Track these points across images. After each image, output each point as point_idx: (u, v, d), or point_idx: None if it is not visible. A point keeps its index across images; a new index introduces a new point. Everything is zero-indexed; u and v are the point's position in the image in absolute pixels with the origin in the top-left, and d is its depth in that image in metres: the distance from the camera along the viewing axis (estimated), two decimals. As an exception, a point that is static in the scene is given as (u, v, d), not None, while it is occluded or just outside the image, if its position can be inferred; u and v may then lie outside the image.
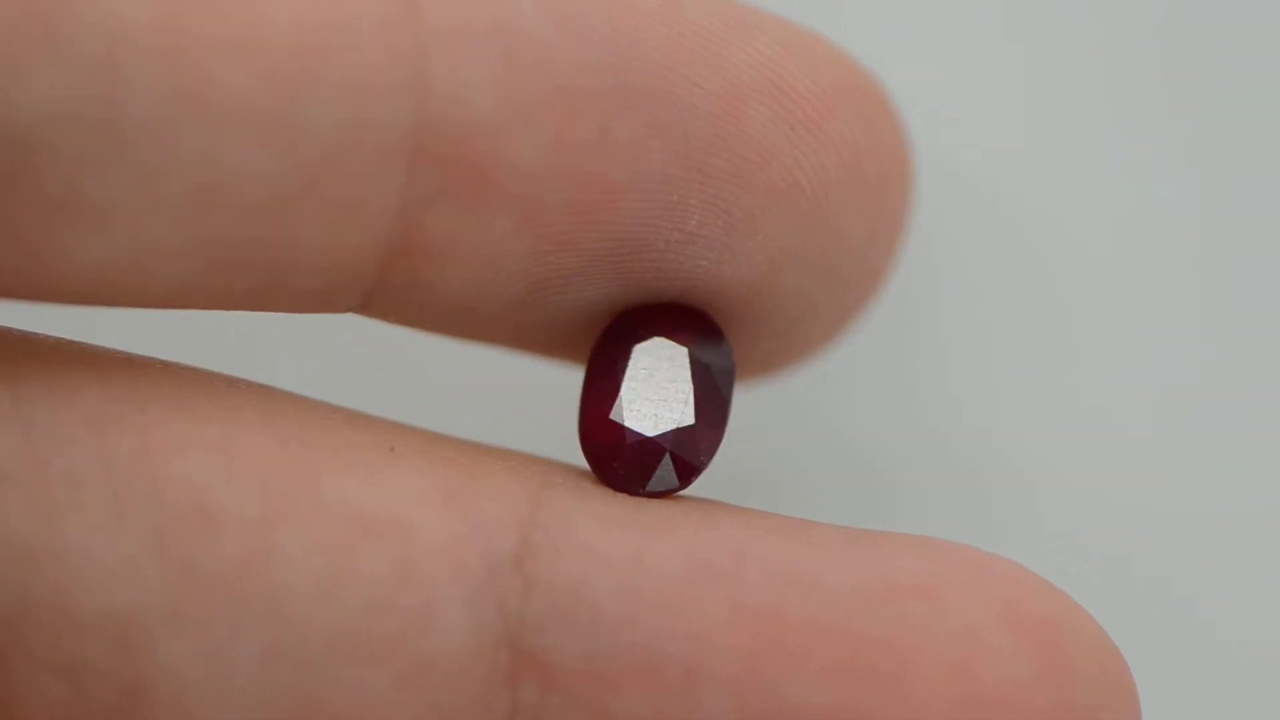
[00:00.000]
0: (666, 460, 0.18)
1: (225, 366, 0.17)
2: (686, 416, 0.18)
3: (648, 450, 0.17)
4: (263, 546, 0.16)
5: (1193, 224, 0.24)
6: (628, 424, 0.18)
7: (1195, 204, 0.24)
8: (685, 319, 0.18)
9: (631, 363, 0.18)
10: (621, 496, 0.18)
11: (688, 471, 0.18)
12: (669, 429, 0.18)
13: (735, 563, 0.17)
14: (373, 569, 0.16)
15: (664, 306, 0.18)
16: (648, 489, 0.18)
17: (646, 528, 0.17)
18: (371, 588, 0.16)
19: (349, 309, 0.17)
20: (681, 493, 0.18)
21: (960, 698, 0.16)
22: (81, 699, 0.16)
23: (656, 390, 0.18)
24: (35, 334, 0.17)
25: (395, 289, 0.17)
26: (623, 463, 0.18)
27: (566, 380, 0.19)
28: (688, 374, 0.18)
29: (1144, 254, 0.24)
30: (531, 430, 0.19)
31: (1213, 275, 0.24)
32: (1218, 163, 0.24)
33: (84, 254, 0.15)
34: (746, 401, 0.19)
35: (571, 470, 0.18)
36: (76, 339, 0.17)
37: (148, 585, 0.16)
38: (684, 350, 0.18)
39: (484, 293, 0.17)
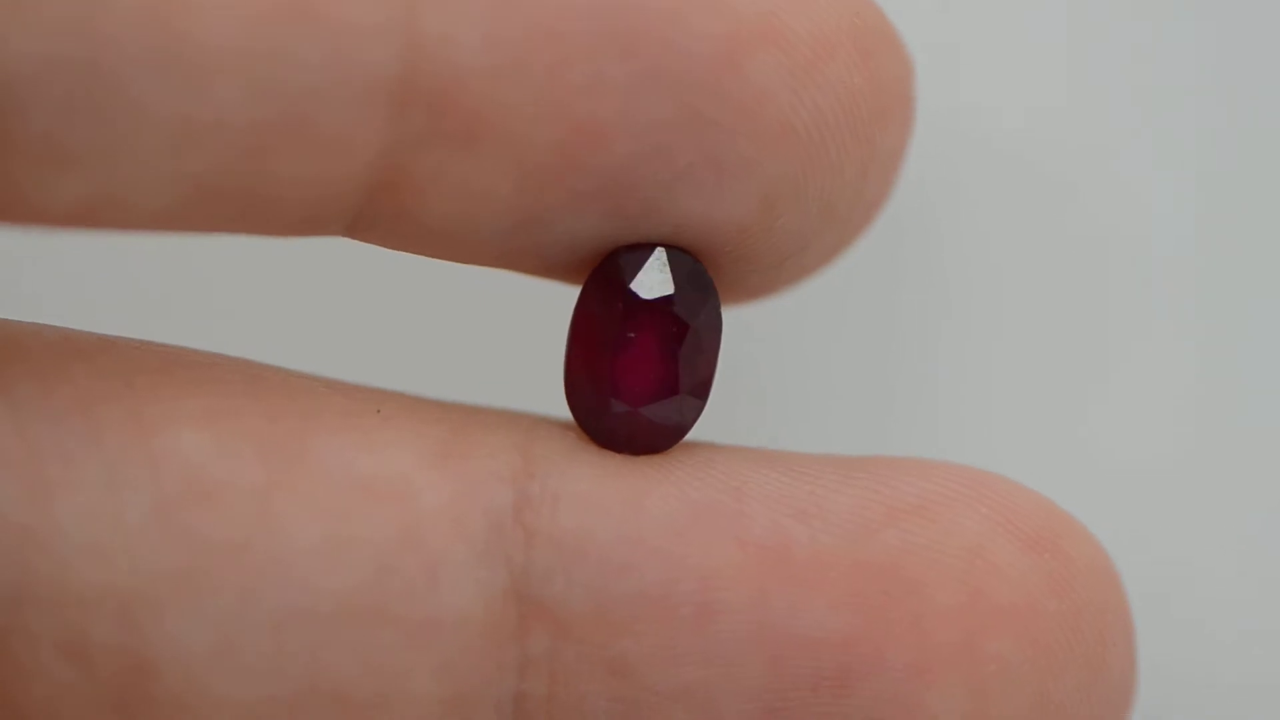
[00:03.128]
0: (652, 420, 0.18)
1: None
2: (671, 374, 0.18)
3: (634, 416, 0.17)
4: (263, 514, 0.16)
5: (1203, 189, 0.24)
6: (614, 385, 0.17)
7: (1201, 156, 0.24)
8: (672, 269, 0.18)
9: (616, 325, 0.18)
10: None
11: (673, 431, 0.18)
12: (655, 388, 0.18)
13: (735, 499, 0.17)
14: (376, 531, 0.16)
15: (652, 253, 0.18)
16: (635, 449, 0.18)
17: (642, 473, 0.17)
18: (376, 550, 0.16)
19: (335, 233, 0.17)
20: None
21: (972, 617, 0.16)
22: (89, 678, 0.16)
23: (641, 349, 0.18)
24: (16, 321, 0.17)
25: (382, 217, 0.17)
26: (610, 424, 0.18)
27: (550, 350, 0.19)
28: (673, 340, 0.18)
29: (1140, 202, 0.24)
30: (517, 390, 0.19)
31: (1218, 241, 0.24)
32: (1239, 139, 0.24)
33: (66, 190, 0.15)
34: (732, 348, 0.18)
35: (556, 424, 0.18)
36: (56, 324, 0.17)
37: (149, 559, 0.16)
38: (669, 315, 0.18)
39: (470, 224, 0.17)
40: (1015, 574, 0.17)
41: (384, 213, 0.17)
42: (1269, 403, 0.23)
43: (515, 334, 0.20)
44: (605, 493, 0.17)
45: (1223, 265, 0.24)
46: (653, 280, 0.17)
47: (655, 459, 0.17)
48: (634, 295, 0.17)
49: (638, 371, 0.17)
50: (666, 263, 0.17)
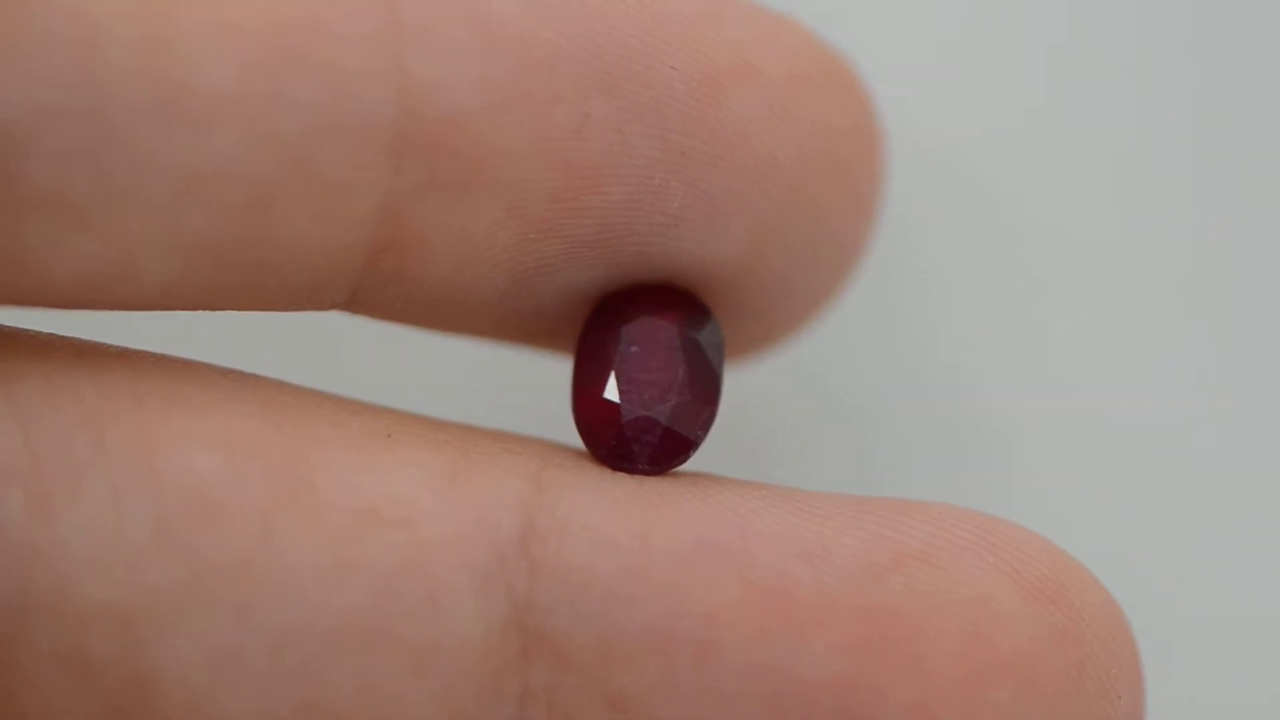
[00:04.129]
0: (661, 437, 0.18)
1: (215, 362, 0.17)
2: (679, 392, 0.18)
3: (642, 428, 0.18)
4: (267, 535, 0.16)
5: (1173, 206, 0.24)
6: (621, 403, 0.18)
7: (1177, 187, 0.24)
8: (671, 298, 0.18)
9: (621, 342, 0.18)
10: (620, 475, 0.18)
11: (683, 447, 0.18)
12: (662, 405, 0.18)
13: (740, 538, 0.17)
14: (379, 555, 0.16)
15: (650, 287, 0.18)
16: (645, 467, 0.18)
17: (649, 506, 0.17)
18: (378, 574, 0.16)
19: (335, 306, 0.17)
20: (679, 468, 0.18)
21: (974, 665, 0.16)
22: (89, 692, 0.16)
23: (647, 368, 0.18)
24: (28, 330, 0.17)
25: (382, 283, 0.17)
26: (618, 442, 0.18)
27: (557, 366, 0.19)
28: (678, 350, 0.18)
29: (1122, 232, 0.24)
30: (525, 417, 0.19)
31: (1196, 254, 0.24)
32: (1203, 149, 0.24)
33: (65, 255, 0.15)
34: (738, 375, 0.19)
35: (568, 451, 0.18)
36: (69, 335, 0.17)
37: (152, 577, 0.16)
38: (673, 326, 0.18)
39: (470, 284, 0.17)
40: (1019, 623, 0.17)
41: (385, 278, 0.17)
42: (1267, 412, 0.23)
43: (531, 355, 0.20)
44: (612, 525, 0.17)
45: (1210, 285, 0.24)
46: (653, 302, 0.18)
47: (663, 489, 0.17)
48: (634, 314, 0.18)
49: (643, 384, 0.18)
50: (663, 290, 0.18)
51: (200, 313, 0.17)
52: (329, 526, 0.16)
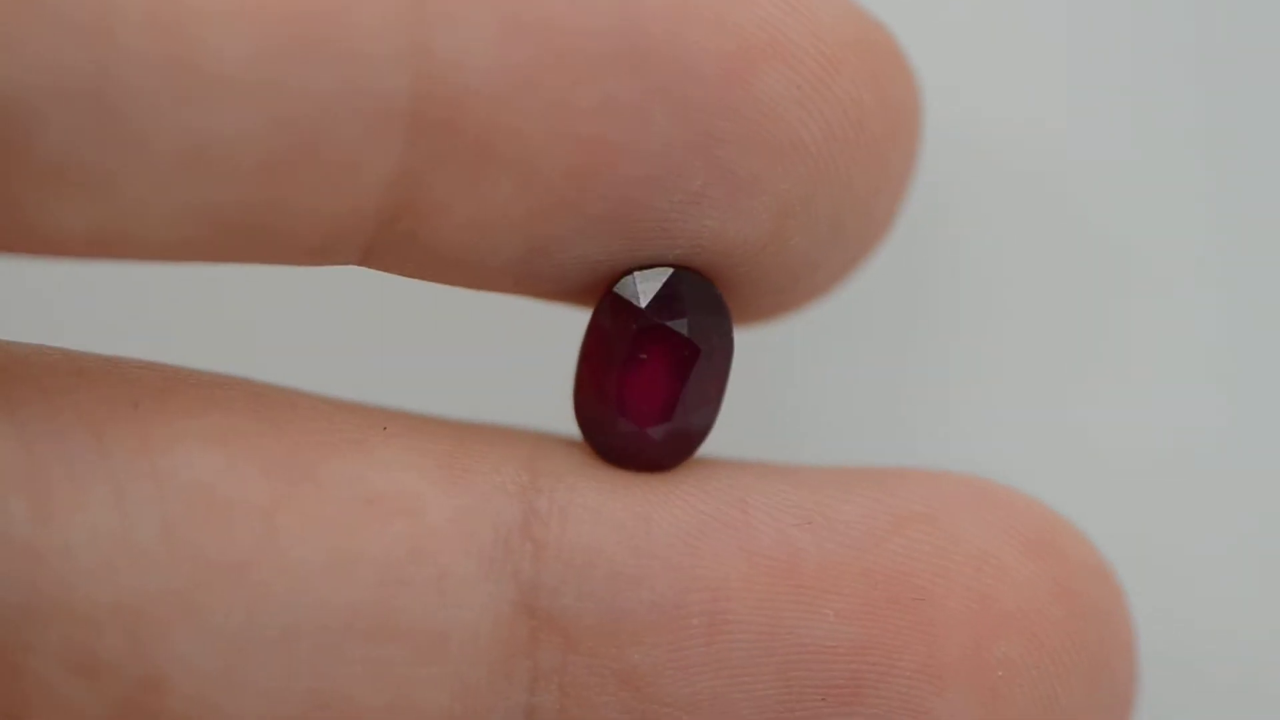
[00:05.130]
0: (663, 440, 0.18)
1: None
2: (682, 408, 0.18)
3: (642, 439, 0.18)
4: (269, 532, 0.16)
5: (1203, 194, 0.24)
6: (622, 415, 0.18)
7: (1208, 177, 0.24)
8: (684, 292, 0.18)
9: (627, 345, 0.18)
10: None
11: (680, 455, 0.18)
12: (663, 424, 0.18)
13: (742, 512, 0.17)
14: (384, 546, 0.16)
15: (663, 276, 0.18)
16: (645, 468, 0.18)
17: (649, 487, 0.17)
18: (384, 564, 0.16)
19: (348, 262, 0.17)
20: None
21: (981, 623, 0.17)
22: (97, 695, 0.16)
23: (652, 374, 0.18)
24: (19, 343, 0.17)
25: (395, 244, 0.17)
26: (618, 442, 0.18)
27: (554, 365, 0.19)
28: (684, 364, 0.18)
29: (1150, 220, 0.24)
30: (523, 407, 0.19)
31: (1224, 248, 0.24)
32: (1239, 141, 0.24)
33: (76, 219, 0.15)
34: (740, 366, 0.18)
35: (560, 440, 0.18)
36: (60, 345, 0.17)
37: (158, 577, 0.16)
38: (681, 339, 0.18)
39: (483, 251, 0.17)
40: (1021, 579, 0.17)
41: (397, 241, 0.17)
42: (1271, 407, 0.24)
43: (524, 352, 0.20)
44: (613, 506, 0.17)
45: (1226, 270, 0.24)
46: (665, 302, 0.17)
47: (661, 475, 0.18)
48: (646, 316, 0.17)
49: (647, 392, 0.17)
50: (679, 284, 0.17)
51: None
52: (332, 520, 0.16)
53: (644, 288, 0.17)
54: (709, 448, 0.18)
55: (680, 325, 0.17)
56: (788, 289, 0.18)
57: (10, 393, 0.16)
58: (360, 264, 0.17)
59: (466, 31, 0.16)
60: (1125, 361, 0.23)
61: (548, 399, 0.19)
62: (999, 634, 0.17)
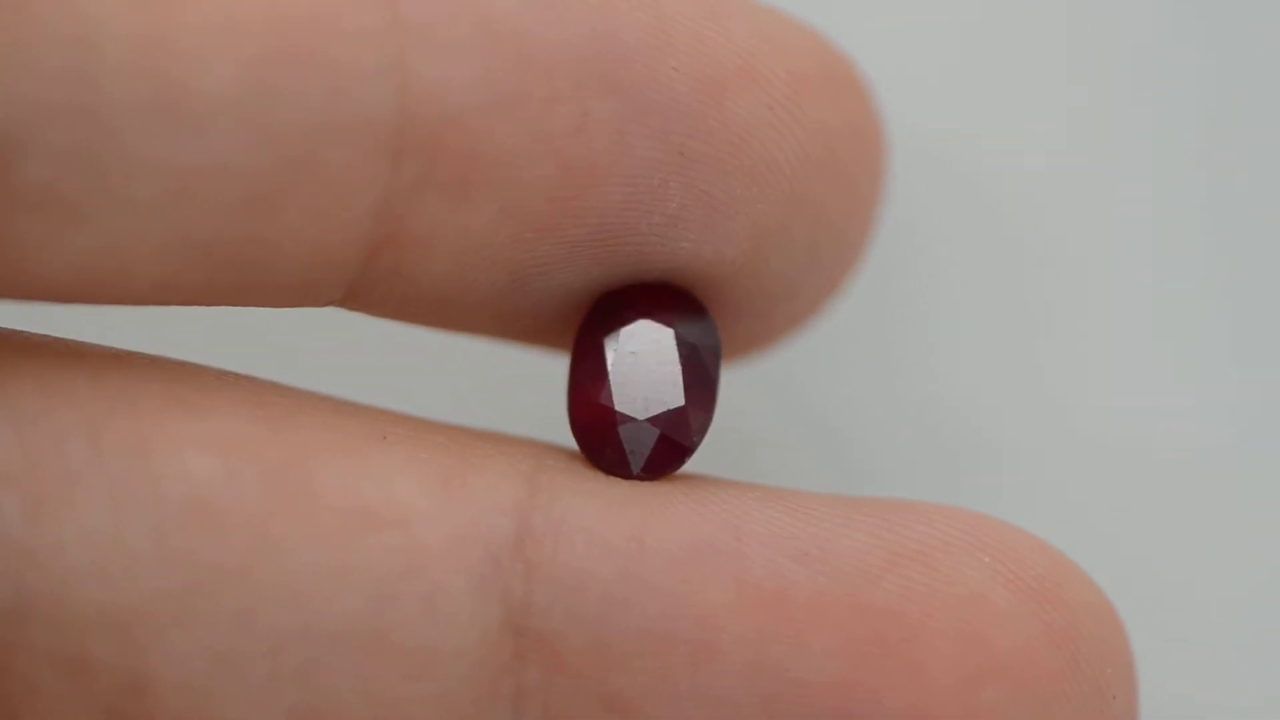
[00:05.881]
0: (657, 443, 0.18)
1: (210, 361, 0.17)
2: (675, 398, 0.18)
3: (638, 435, 0.17)
4: (264, 539, 0.16)
5: (1174, 213, 0.24)
6: (617, 408, 0.18)
7: (1180, 187, 0.24)
8: (669, 299, 0.18)
9: (618, 346, 0.18)
10: (615, 478, 0.18)
11: (679, 453, 0.18)
12: (658, 411, 0.18)
13: (736, 539, 0.17)
14: (376, 559, 0.16)
15: (647, 287, 0.18)
16: (639, 474, 0.18)
17: (644, 507, 0.17)
18: (376, 577, 0.16)
19: (331, 302, 0.17)
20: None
21: (969, 666, 0.16)
22: (85, 696, 0.16)
23: (644, 372, 0.18)
24: (22, 332, 0.17)
25: (378, 281, 0.17)
26: (614, 447, 0.18)
27: (550, 367, 0.19)
28: (675, 354, 0.18)
29: (1125, 235, 0.24)
30: (520, 417, 0.19)
31: (1196, 255, 0.24)
32: (1209, 151, 0.24)
33: (60, 252, 0.15)
34: (732, 381, 0.19)
35: (563, 452, 0.18)
36: (63, 336, 0.17)
37: (149, 581, 0.16)
38: (670, 330, 0.18)
39: (466, 282, 0.17)
40: (1014, 622, 0.17)
41: (381, 276, 0.17)
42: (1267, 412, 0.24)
43: (526, 353, 0.20)
44: (607, 527, 0.17)
45: (1211, 275, 0.24)
46: (650, 306, 0.18)
47: (658, 490, 0.17)
48: (633, 319, 0.18)
49: (639, 390, 0.18)
50: (662, 291, 0.18)
51: (195, 312, 0.17)
52: (326, 530, 0.16)
53: (627, 295, 0.18)
54: (708, 467, 0.18)
55: (666, 320, 0.18)
56: (767, 314, 0.18)
57: (8, 386, 0.16)
58: (342, 305, 0.17)
59: (444, 46, 0.16)
60: (1111, 366, 0.23)
61: (551, 398, 0.19)
62: (988, 678, 0.16)
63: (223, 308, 0.17)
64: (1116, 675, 0.17)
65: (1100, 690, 0.17)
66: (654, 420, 0.18)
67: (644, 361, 0.18)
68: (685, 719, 0.17)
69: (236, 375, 0.17)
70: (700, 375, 0.18)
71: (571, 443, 0.18)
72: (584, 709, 0.17)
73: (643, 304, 0.18)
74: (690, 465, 0.18)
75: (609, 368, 0.18)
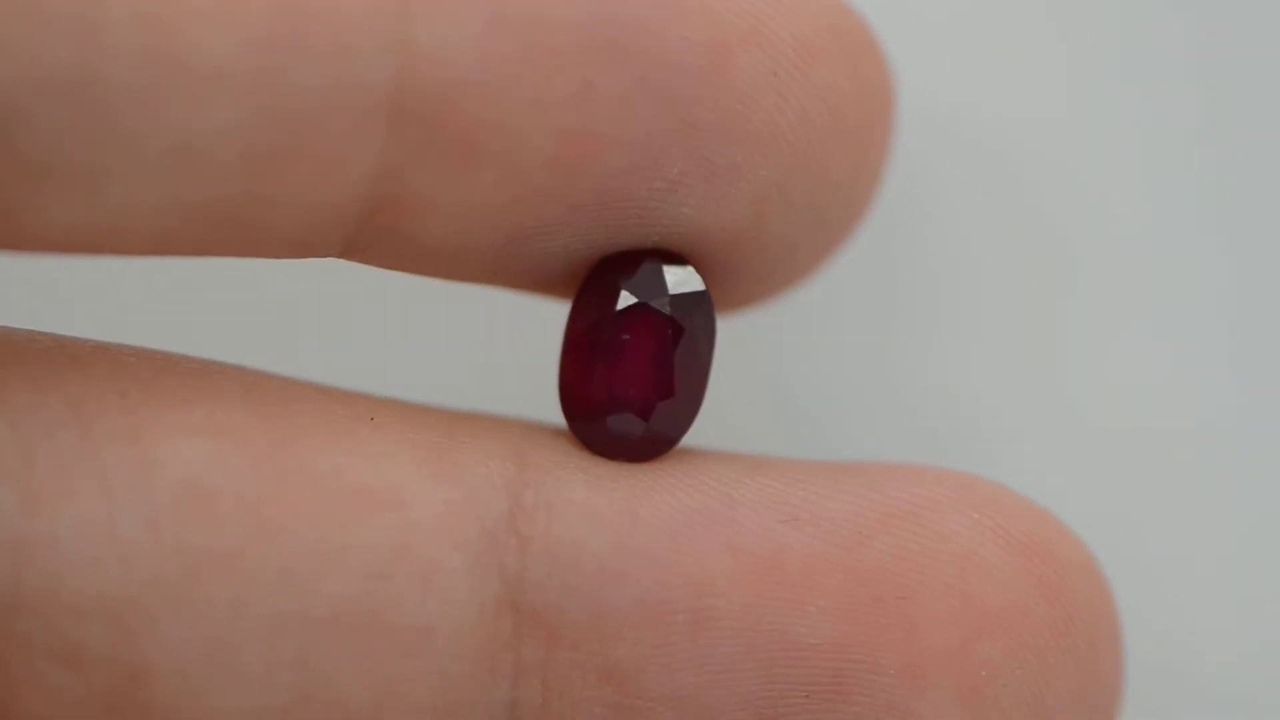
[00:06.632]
0: (646, 431, 0.18)
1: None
2: (666, 387, 0.18)
3: (628, 421, 0.17)
4: (256, 523, 0.16)
5: (1175, 185, 0.24)
6: (607, 395, 0.18)
7: (1184, 167, 0.24)
8: (665, 280, 0.18)
9: (612, 332, 0.18)
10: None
11: (667, 441, 0.18)
12: (648, 400, 0.18)
13: (728, 507, 0.17)
14: (370, 539, 0.16)
15: (645, 261, 0.18)
16: (629, 456, 0.18)
17: (635, 480, 0.17)
18: (371, 558, 0.16)
19: (329, 254, 0.17)
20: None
21: (964, 622, 0.17)
22: (83, 686, 0.16)
23: (636, 359, 0.18)
24: (9, 327, 0.17)
25: (377, 237, 0.17)
26: (604, 432, 0.18)
27: (541, 355, 0.19)
28: (668, 343, 0.18)
29: (1127, 215, 0.24)
30: (508, 402, 0.19)
31: (1199, 236, 0.24)
32: (1214, 133, 0.24)
33: (61, 215, 0.15)
34: (721, 366, 0.18)
35: (550, 430, 0.18)
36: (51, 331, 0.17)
37: (144, 568, 0.16)
38: (665, 318, 0.18)
39: (465, 240, 0.17)
40: (1006, 579, 0.17)
41: (379, 233, 0.17)
42: (1262, 397, 0.24)
43: (510, 340, 0.20)
44: (599, 501, 0.17)
45: (1212, 258, 0.24)
46: (646, 282, 0.18)
47: (648, 466, 0.17)
48: (628, 301, 0.17)
49: (632, 377, 0.17)
50: (660, 268, 0.18)
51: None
52: (319, 512, 0.16)
53: (623, 272, 0.18)
54: (697, 439, 0.18)
55: (662, 304, 0.18)
56: (766, 274, 0.18)
57: (0, 381, 0.16)
58: (340, 256, 0.17)
59: (448, 23, 0.16)
60: (1113, 345, 0.23)
61: (537, 385, 0.19)
62: (982, 633, 0.17)
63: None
64: (1104, 628, 0.17)
65: (1093, 644, 0.17)
66: (642, 411, 0.18)
67: (637, 347, 0.17)
68: (684, 687, 0.17)
69: (222, 364, 0.17)
70: (692, 362, 0.18)
71: (559, 423, 0.18)
72: (583, 681, 0.17)
73: (640, 285, 0.18)
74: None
75: (602, 352, 0.18)
